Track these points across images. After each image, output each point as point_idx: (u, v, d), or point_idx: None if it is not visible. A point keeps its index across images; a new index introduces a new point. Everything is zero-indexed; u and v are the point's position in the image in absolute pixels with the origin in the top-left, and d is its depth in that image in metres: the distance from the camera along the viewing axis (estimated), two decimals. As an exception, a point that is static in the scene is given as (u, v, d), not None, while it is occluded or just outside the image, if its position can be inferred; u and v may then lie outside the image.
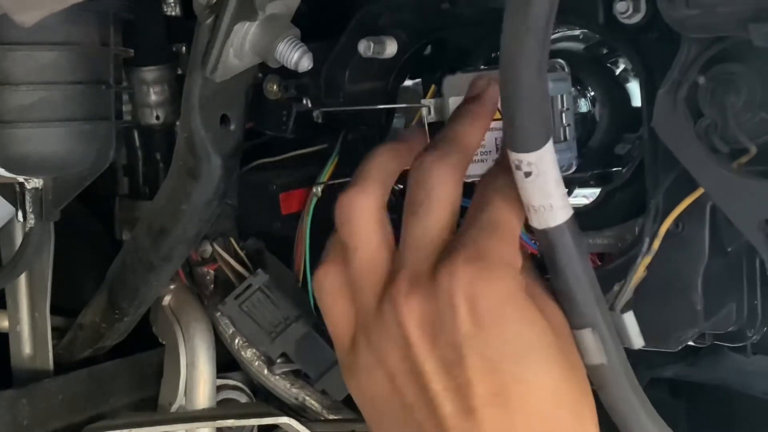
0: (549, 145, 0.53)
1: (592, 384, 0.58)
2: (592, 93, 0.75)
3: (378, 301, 0.59)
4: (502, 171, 0.61)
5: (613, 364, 0.57)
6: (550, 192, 0.54)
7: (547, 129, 0.53)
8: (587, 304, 0.56)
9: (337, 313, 0.63)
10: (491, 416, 0.54)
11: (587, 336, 0.57)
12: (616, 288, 0.61)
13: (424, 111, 0.71)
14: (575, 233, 0.56)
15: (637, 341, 0.60)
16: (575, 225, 0.56)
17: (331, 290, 0.63)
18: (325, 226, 0.82)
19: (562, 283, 0.56)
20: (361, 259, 0.61)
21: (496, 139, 0.66)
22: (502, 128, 0.65)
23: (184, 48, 0.91)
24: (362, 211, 0.62)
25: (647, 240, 0.63)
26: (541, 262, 0.59)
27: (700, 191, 0.63)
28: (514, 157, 0.54)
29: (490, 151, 0.66)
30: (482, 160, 0.66)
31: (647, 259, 0.62)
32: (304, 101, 0.82)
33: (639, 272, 0.62)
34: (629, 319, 0.60)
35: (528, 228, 0.59)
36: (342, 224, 0.62)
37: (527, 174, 0.54)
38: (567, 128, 0.69)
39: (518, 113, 0.52)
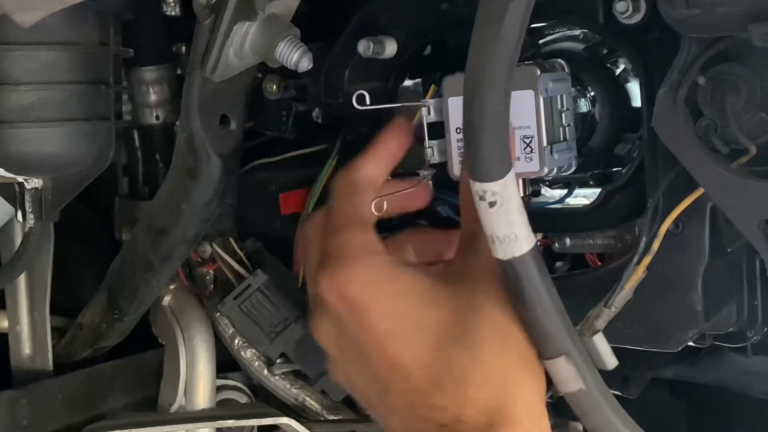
0: (512, 172, 0.53)
1: (572, 411, 0.58)
2: (592, 93, 0.75)
3: None
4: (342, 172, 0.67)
5: (590, 388, 0.56)
6: (514, 221, 0.53)
7: (509, 155, 0.53)
8: (558, 332, 0.56)
9: None
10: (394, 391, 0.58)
11: (561, 364, 0.56)
12: (615, 288, 0.61)
13: (424, 111, 0.71)
14: (539, 261, 0.55)
15: (611, 362, 0.59)
16: (539, 253, 0.55)
17: None
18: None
19: (531, 314, 0.56)
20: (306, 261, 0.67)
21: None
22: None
23: (184, 48, 0.90)
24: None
25: (646, 240, 0.63)
26: None
27: (699, 191, 0.63)
28: (478, 187, 0.53)
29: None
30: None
31: (647, 259, 0.62)
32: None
33: (639, 272, 0.62)
34: (600, 342, 0.59)
35: None
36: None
37: (492, 204, 0.52)
38: (567, 128, 0.69)
39: (483, 141, 0.51)
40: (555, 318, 0.56)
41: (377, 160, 0.69)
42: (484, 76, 0.50)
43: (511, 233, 0.53)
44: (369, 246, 0.62)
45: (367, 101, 0.69)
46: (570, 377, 0.56)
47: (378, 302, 0.59)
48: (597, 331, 0.59)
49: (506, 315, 0.57)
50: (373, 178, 0.68)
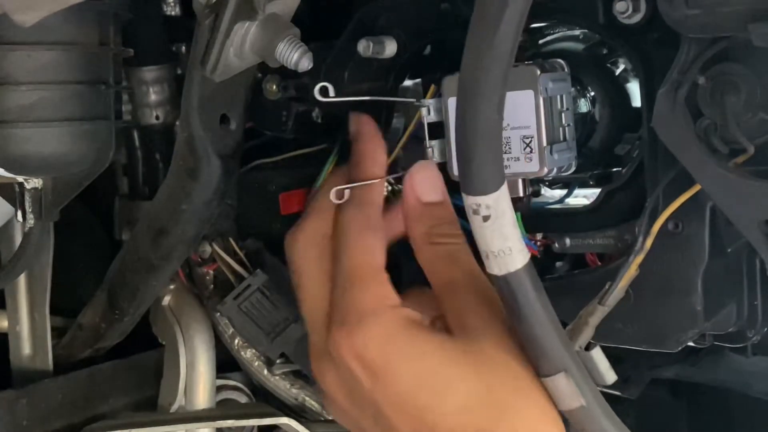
0: (505, 185, 0.52)
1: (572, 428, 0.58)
2: (592, 93, 0.75)
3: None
4: (349, 206, 0.66)
5: (590, 404, 0.56)
6: (508, 235, 0.52)
7: (503, 168, 0.52)
8: (556, 348, 0.55)
9: None
10: None
11: (561, 381, 0.55)
12: (606, 286, 0.61)
13: (424, 111, 0.71)
14: (534, 276, 0.55)
15: (610, 377, 0.59)
16: (533, 267, 0.55)
17: None
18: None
19: (527, 330, 0.55)
20: (301, 300, 0.67)
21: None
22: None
23: (184, 48, 0.90)
24: (298, 249, 0.68)
25: (641, 238, 0.63)
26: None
27: (691, 192, 0.63)
28: (472, 201, 0.52)
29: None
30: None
31: (639, 258, 0.62)
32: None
33: (631, 270, 0.62)
34: (598, 356, 0.58)
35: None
36: (288, 263, 0.69)
37: (486, 218, 0.52)
38: (567, 128, 0.69)
39: (476, 154, 0.50)
40: (552, 334, 0.55)
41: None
42: (477, 86, 0.49)
43: (505, 247, 0.52)
44: (385, 300, 0.61)
45: (331, 93, 0.68)
46: (569, 394, 0.55)
47: (399, 364, 0.58)
48: (590, 339, 0.59)
49: (522, 366, 0.57)
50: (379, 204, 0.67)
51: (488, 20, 0.48)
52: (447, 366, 0.58)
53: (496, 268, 0.53)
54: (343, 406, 0.63)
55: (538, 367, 0.56)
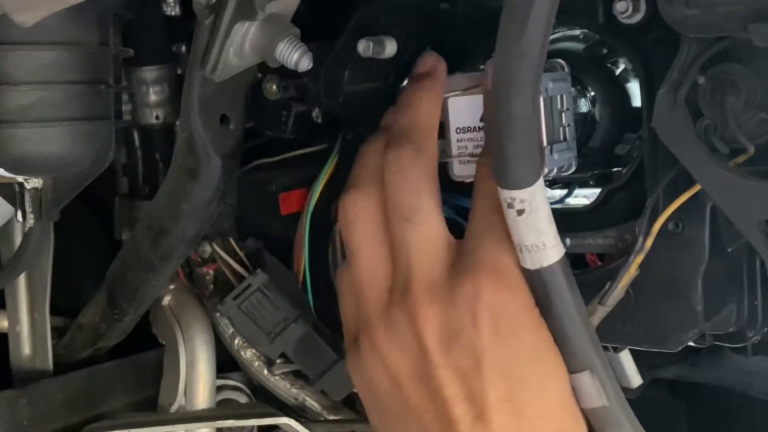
0: (541, 180, 0.52)
1: (591, 428, 0.58)
2: (592, 93, 0.75)
3: (382, 306, 0.61)
4: None
5: (613, 405, 0.56)
6: (543, 230, 0.53)
7: (539, 162, 0.52)
8: (584, 345, 0.56)
9: (345, 310, 0.65)
10: (500, 420, 0.56)
11: (586, 379, 0.56)
12: (606, 286, 0.61)
13: (424, 111, 0.71)
14: (567, 272, 0.55)
15: (635, 379, 0.59)
16: (567, 263, 0.55)
17: (341, 289, 0.66)
18: (325, 227, 0.82)
19: (557, 326, 0.56)
20: (360, 267, 0.63)
21: None
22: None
23: (184, 48, 0.90)
24: (362, 215, 0.63)
25: (641, 238, 0.63)
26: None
27: (691, 192, 0.63)
28: (506, 194, 0.52)
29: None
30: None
31: (639, 258, 0.62)
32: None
33: (631, 270, 0.62)
34: (626, 358, 0.59)
35: None
36: (343, 229, 0.64)
37: (520, 212, 0.52)
38: (567, 128, 0.69)
39: (511, 147, 0.51)
40: (581, 331, 0.55)
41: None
42: (511, 78, 0.50)
43: (539, 242, 0.53)
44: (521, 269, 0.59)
45: None
46: (593, 393, 0.56)
47: (523, 334, 0.57)
48: (623, 348, 0.59)
49: None
50: None
51: (517, 15, 0.48)
52: (554, 352, 0.57)
53: (529, 262, 0.54)
54: (429, 344, 0.58)
55: (566, 363, 0.57)
